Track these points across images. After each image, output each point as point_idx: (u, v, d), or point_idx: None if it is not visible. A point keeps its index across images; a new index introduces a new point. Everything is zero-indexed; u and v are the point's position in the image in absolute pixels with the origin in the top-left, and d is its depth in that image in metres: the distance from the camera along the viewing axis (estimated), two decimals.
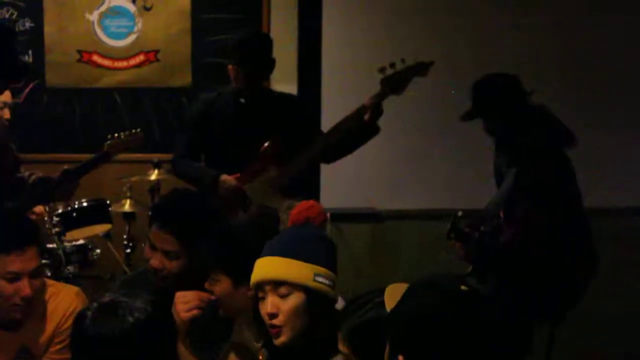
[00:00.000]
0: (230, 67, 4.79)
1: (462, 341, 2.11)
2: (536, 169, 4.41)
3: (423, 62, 4.57)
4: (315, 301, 2.69)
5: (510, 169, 4.53)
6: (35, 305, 3.33)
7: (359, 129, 4.69)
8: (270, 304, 2.73)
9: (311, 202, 2.94)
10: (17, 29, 6.38)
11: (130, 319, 2.36)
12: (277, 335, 2.73)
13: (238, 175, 4.78)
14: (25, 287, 3.22)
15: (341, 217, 6.31)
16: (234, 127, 4.85)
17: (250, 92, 4.83)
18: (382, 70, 4.56)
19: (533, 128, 4.49)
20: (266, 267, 2.76)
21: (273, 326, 2.73)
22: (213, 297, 3.14)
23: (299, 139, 4.78)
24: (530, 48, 6.28)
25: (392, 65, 4.55)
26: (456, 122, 6.28)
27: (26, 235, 3.32)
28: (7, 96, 5.62)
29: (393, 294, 2.48)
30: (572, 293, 4.54)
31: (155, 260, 3.37)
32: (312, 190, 5.61)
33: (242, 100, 4.85)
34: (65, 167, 4.39)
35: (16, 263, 3.21)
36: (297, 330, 2.71)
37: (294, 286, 2.70)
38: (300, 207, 2.91)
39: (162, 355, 2.44)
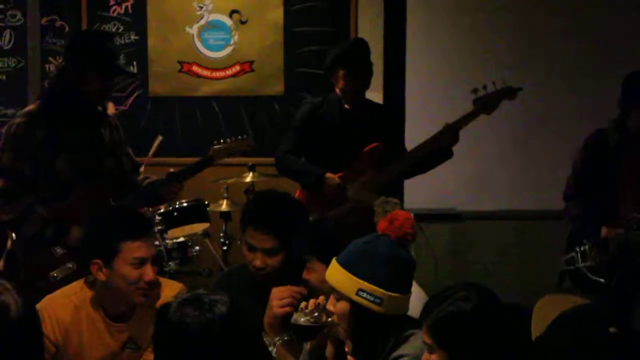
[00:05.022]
0: (340, 72, 4.86)
1: None
2: None
3: (512, 87, 4.68)
4: (357, 313, 2.72)
5: None
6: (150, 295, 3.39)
7: (435, 151, 4.79)
8: (330, 302, 2.81)
9: (397, 212, 2.81)
10: (123, 42, 6.53)
11: (210, 314, 2.38)
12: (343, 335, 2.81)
13: (341, 174, 4.84)
14: (149, 271, 3.29)
15: (423, 217, 6.31)
16: (337, 130, 4.92)
17: (355, 98, 4.92)
18: (474, 91, 4.63)
19: None
20: (329, 268, 2.81)
21: (335, 322, 2.80)
22: (305, 292, 3.14)
23: (389, 149, 4.86)
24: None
25: (484, 87, 4.64)
26: (537, 126, 6.28)
27: (147, 224, 3.44)
28: (110, 108, 5.70)
29: (542, 310, 2.42)
30: None
31: (257, 260, 3.35)
32: (397, 191, 5.63)
33: (347, 106, 4.92)
34: (171, 170, 4.45)
35: (143, 249, 3.28)
36: (348, 332, 2.77)
37: (341, 294, 2.74)
38: (388, 217, 2.84)
39: (238, 352, 2.45)
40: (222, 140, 4.51)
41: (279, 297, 3.15)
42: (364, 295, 2.69)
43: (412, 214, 2.84)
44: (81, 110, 4.17)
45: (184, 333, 2.38)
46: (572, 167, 4.57)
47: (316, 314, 2.86)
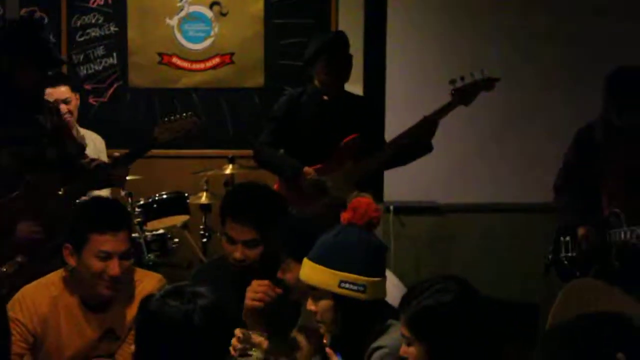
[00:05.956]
0: (320, 64, 4.85)
1: None
2: None
3: (490, 77, 4.68)
4: (343, 305, 2.74)
5: None
6: (122, 289, 3.37)
7: (414, 144, 4.77)
8: (309, 302, 2.83)
9: (358, 200, 2.87)
10: (102, 33, 6.49)
11: (192, 305, 2.38)
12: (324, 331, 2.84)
13: (319, 166, 4.82)
14: (114, 266, 3.26)
15: (403, 209, 6.32)
16: (316, 122, 4.92)
17: (334, 90, 4.92)
18: (452, 82, 4.63)
19: None
20: (302, 269, 2.83)
21: (317, 321, 2.83)
22: (280, 291, 3.15)
23: (368, 140, 4.86)
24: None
25: (462, 78, 4.63)
26: (517, 119, 6.28)
27: (121, 219, 3.38)
28: (62, 93, 5.50)
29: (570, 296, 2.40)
30: None
31: (237, 252, 3.34)
32: (377, 184, 5.62)
33: (326, 97, 4.92)
34: (116, 154, 4.41)
35: (109, 243, 3.26)
36: (334, 329, 2.79)
37: (322, 291, 2.76)
38: (350, 206, 2.87)
39: (219, 343, 2.47)
40: (166, 119, 4.37)
41: (254, 290, 3.17)
42: (347, 285, 2.72)
43: (371, 198, 2.87)
44: (18, 100, 4.12)
45: (164, 323, 2.39)
46: (563, 158, 4.59)
47: (244, 348, 2.98)
